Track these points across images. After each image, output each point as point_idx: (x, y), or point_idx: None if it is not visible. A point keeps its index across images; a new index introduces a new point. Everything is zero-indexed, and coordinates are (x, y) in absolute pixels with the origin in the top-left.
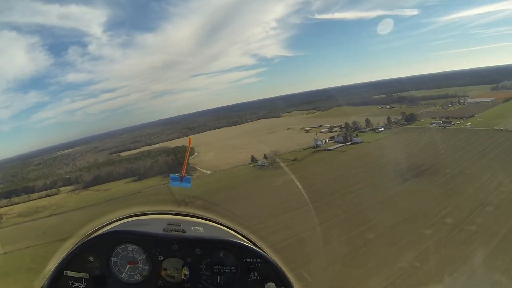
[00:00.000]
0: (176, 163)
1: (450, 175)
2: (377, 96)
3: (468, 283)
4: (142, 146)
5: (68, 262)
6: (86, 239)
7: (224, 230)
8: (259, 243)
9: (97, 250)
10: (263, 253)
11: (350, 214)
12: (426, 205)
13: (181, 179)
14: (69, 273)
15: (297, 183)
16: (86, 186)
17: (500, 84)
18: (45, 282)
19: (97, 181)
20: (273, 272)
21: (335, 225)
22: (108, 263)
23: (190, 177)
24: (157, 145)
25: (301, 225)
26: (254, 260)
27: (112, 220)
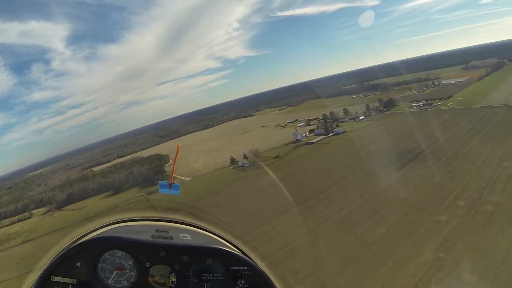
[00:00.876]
0: (151, 172)
1: (447, 157)
2: (348, 87)
3: (501, 268)
4: (115, 159)
5: (55, 267)
6: (74, 245)
7: (212, 237)
8: (247, 250)
9: (85, 255)
10: (251, 261)
11: (352, 209)
12: (432, 190)
13: (170, 186)
14: (56, 278)
15: (283, 182)
16: (60, 206)
17: (469, 64)
18: (31, 287)
19: (71, 199)
20: (260, 280)
21: (339, 223)
22: (95, 269)
23: (179, 184)
24: (129, 156)
25: (300, 228)
26: (242, 268)
27: (100, 226)
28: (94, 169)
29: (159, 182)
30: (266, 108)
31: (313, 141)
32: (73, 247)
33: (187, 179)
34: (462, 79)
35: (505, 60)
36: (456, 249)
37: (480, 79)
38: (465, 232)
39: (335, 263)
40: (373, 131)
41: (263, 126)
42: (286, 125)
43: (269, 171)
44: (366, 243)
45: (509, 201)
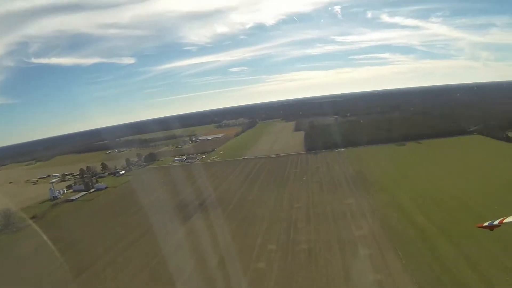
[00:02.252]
0: None
1: (233, 205)
2: (100, 142)
3: None
4: None
5: None
6: None
7: None
8: None
9: None
10: None
11: (148, 273)
12: (234, 239)
13: None
14: None
15: (53, 247)
16: None
17: (222, 122)
18: None
19: None
20: None
21: None
22: None
23: None
24: None
25: None
26: None
27: None
28: None
29: None
30: (11, 162)
31: (73, 198)
32: None
33: None
34: (219, 135)
35: (257, 120)
36: None
37: (237, 135)
38: (294, 274)
39: None
40: (140, 185)
41: (10, 183)
42: (37, 181)
43: (30, 235)
44: None
45: (319, 237)
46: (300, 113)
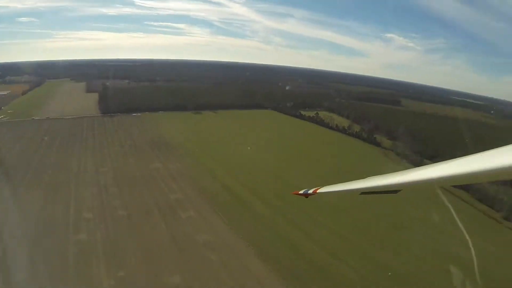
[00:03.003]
0: None
1: (33, 170)
2: None
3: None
4: None
5: None
6: None
7: None
8: None
9: None
10: None
11: None
12: (41, 211)
13: None
14: None
15: None
16: None
17: (6, 79)
18: None
19: None
20: None
21: None
22: None
23: None
24: None
25: None
26: None
27: None
28: None
29: None
30: None
31: None
32: None
33: None
34: (4, 93)
35: (45, 78)
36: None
37: (25, 93)
38: (121, 242)
39: None
40: None
41: None
42: None
43: None
44: None
45: (135, 202)
46: (91, 74)
